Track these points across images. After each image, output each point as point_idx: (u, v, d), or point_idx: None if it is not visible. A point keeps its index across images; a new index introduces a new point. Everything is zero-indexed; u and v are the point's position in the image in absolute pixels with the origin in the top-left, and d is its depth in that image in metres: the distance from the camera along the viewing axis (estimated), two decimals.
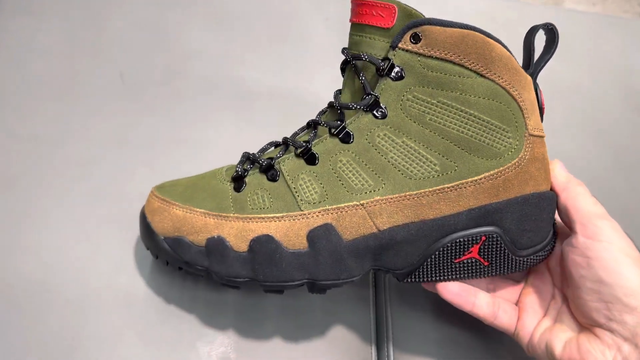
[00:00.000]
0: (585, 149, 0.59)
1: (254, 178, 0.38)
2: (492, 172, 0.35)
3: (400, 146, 0.36)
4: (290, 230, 0.36)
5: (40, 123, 0.51)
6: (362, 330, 0.44)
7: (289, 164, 0.37)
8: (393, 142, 0.36)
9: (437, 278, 0.38)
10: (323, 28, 0.65)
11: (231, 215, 0.37)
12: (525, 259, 0.38)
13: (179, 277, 0.43)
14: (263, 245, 0.36)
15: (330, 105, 0.38)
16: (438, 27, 0.34)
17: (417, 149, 0.36)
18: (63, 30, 0.58)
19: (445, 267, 0.37)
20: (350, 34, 0.37)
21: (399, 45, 0.35)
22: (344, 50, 0.37)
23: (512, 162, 0.36)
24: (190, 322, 0.42)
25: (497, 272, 0.38)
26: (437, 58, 0.34)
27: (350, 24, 0.38)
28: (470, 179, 0.35)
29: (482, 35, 0.34)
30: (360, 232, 0.36)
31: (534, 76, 0.37)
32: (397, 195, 0.36)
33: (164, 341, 0.40)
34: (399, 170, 0.36)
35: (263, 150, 0.40)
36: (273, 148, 0.40)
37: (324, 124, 0.37)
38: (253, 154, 0.39)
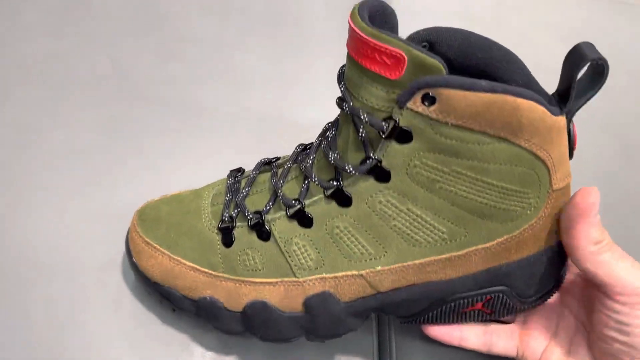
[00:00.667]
0: (595, 142, 0.57)
1: (243, 234, 0.35)
2: (505, 237, 0.32)
3: (405, 213, 0.31)
4: (285, 297, 0.34)
5: (25, 109, 0.49)
6: (364, 349, 0.41)
7: (280, 224, 0.34)
8: (397, 209, 0.31)
9: (438, 322, 0.36)
10: (323, 11, 0.62)
11: (221, 275, 0.35)
12: (529, 305, 0.35)
13: None
14: (258, 311, 0.34)
15: (326, 155, 0.33)
16: (458, 92, 0.27)
17: (423, 217, 0.31)
18: (49, 11, 0.56)
19: (446, 317, 0.35)
20: (348, 66, 0.31)
21: (408, 104, 0.28)
22: (340, 86, 0.31)
23: (530, 223, 0.32)
24: (184, 322, 0.40)
25: (499, 317, 0.36)
26: (453, 125, 0.28)
27: (346, 53, 0.31)
28: (480, 246, 0.32)
29: (512, 97, 0.27)
30: (360, 295, 0.34)
31: (569, 115, 0.30)
32: (399, 264, 0.32)
33: (156, 340, 0.39)
34: (403, 238, 0.32)
35: (250, 181, 0.36)
36: (256, 173, 0.37)
37: (317, 183, 0.33)
38: (240, 202, 0.35)
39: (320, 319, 0.34)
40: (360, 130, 0.30)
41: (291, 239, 0.33)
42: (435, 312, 0.35)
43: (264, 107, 0.53)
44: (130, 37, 0.56)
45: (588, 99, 0.30)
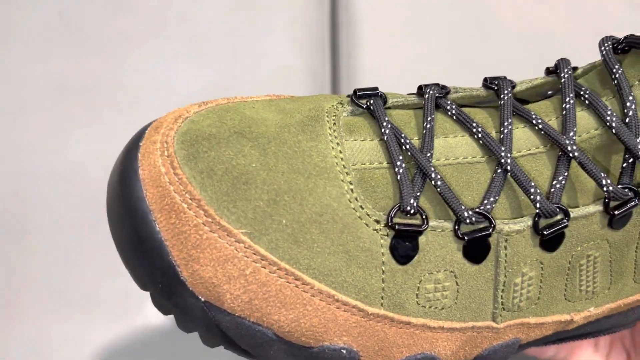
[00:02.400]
0: None
1: (439, 243, 0.19)
2: None
3: None
4: (462, 347, 0.21)
5: None
6: None
7: (517, 244, 0.20)
8: None
9: None
10: None
11: (378, 311, 0.19)
12: None
13: None
14: None
15: (589, 101, 0.20)
16: None
17: None
18: None
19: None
20: None
21: None
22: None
23: None
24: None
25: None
26: None
27: None
28: None
29: None
30: (544, 336, 0.23)
31: None
32: (612, 305, 0.23)
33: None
34: (635, 272, 0.23)
35: (431, 134, 0.20)
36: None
37: (605, 185, 0.20)
38: (429, 164, 0.19)
39: None
40: None
41: (520, 266, 0.20)
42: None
43: (221, 62, 0.51)
44: None
45: None
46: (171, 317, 0.19)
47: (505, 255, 0.20)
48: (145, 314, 0.37)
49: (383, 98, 0.21)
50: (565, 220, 0.20)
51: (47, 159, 0.43)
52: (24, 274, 0.39)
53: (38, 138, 0.44)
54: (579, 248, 0.21)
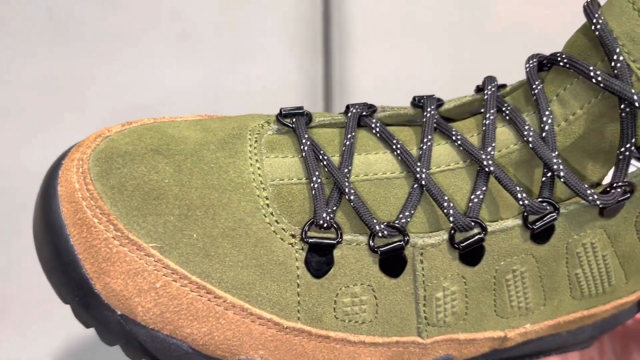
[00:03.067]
0: None
1: (354, 256, 0.19)
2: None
3: (597, 261, 0.22)
4: None
5: None
6: None
7: (433, 258, 0.20)
8: (595, 254, 0.22)
9: None
10: None
11: (294, 325, 0.19)
12: None
13: None
14: None
15: (549, 167, 0.20)
16: None
17: (610, 265, 0.22)
18: None
19: None
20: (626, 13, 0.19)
21: None
22: (607, 44, 0.19)
23: None
24: None
25: None
26: None
27: None
28: (624, 300, 0.24)
29: None
30: (478, 355, 0.23)
31: None
32: (550, 322, 0.23)
33: None
34: (571, 289, 0.22)
35: (349, 153, 0.20)
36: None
37: (521, 199, 0.20)
38: (345, 180, 0.19)
39: None
40: (629, 144, 0.19)
41: (440, 280, 0.20)
42: None
43: (213, 60, 0.51)
44: None
45: None
46: None
47: (422, 268, 0.20)
48: None
49: (308, 117, 0.22)
50: (482, 234, 0.20)
51: (36, 157, 0.43)
52: (17, 274, 0.39)
53: (27, 137, 0.44)
54: (502, 262, 0.21)
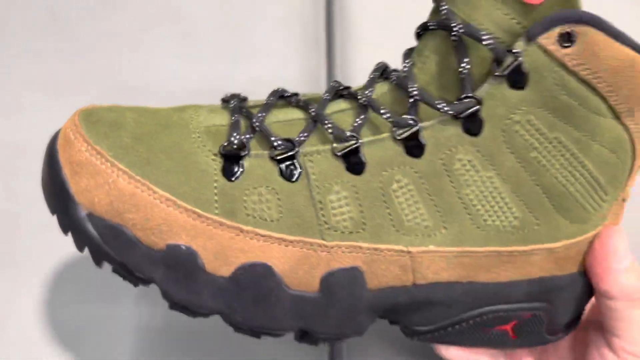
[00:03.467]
0: None
1: (258, 165, 0.25)
2: (571, 240, 0.27)
3: (482, 182, 0.26)
4: (301, 264, 0.25)
5: None
6: None
7: (321, 163, 0.25)
8: (476, 175, 0.25)
9: (455, 342, 0.30)
10: None
11: (213, 216, 0.24)
12: (553, 338, 0.31)
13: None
14: (256, 280, 0.25)
15: (399, 83, 0.26)
16: (606, 37, 0.23)
17: (501, 191, 0.26)
18: None
19: (468, 335, 0.29)
20: None
21: (539, 39, 0.24)
22: (441, 7, 0.25)
23: (593, 232, 0.28)
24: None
25: (519, 346, 0.31)
26: (580, 79, 0.24)
27: None
28: (546, 246, 0.27)
29: None
30: (391, 284, 0.26)
31: None
32: (456, 249, 0.26)
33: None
34: (469, 214, 0.26)
35: (266, 107, 0.26)
36: (292, 108, 0.27)
37: (387, 117, 0.25)
38: (260, 121, 0.26)
39: (337, 305, 0.26)
40: (464, 62, 0.24)
41: (330, 185, 0.25)
42: (458, 330, 0.29)
43: (215, 59, 0.51)
44: None
45: None
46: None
47: (314, 173, 0.25)
48: (139, 311, 0.37)
49: (245, 99, 0.28)
50: (357, 144, 0.25)
51: (39, 157, 0.43)
52: (18, 272, 0.39)
53: (30, 137, 0.44)
54: (384, 173, 0.25)
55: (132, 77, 0.48)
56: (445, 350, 0.31)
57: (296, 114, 0.27)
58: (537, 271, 0.27)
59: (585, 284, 0.29)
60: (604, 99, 0.25)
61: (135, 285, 0.26)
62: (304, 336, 0.27)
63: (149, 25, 0.52)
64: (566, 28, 0.23)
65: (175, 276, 0.24)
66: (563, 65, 0.24)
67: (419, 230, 0.26)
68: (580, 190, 0.26)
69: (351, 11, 0.56)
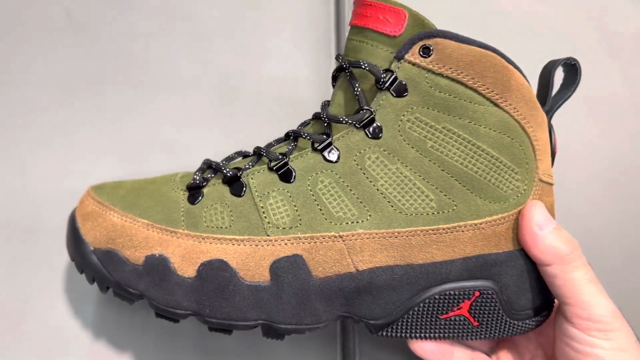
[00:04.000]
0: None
1: (214, 190, 0.32)
2: (494, 217, 0.31)
3: (393, 173, 0.31)
4: (250, 257, 0.30)
5: None
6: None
7: (259, 177, 0.32)
8: (385, 168, 0.31)
9: (417, 334, 0.32)
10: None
11: (180, 230, 0.31)
12: (520, 324, 0.32)
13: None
14: (214, 272, 0.30)
15: (317, 116, 0.33)
16: (453, 42, 0.30)
17: (412, 179, 0.31)
18: None
19: (428, 323, 0.32)
20: (349, 39, 0.33)
21: (406, 56, 0.30)
22: (338, 57, 0.33)
23: (517, 209, 0.31)
24: (142, 354, 0.38)
25: (487, 335, 0.33)
26: (448, 77, 0.30)
27: (349, 27, 0.33)
28: (469, 222, 0.31)
29: (501, 59, 0.30)
30: (335, 270, 0.31)
31: (549, 115, 0.33)
32: (383, 230, 0.30)
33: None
34: (389, 202, 0.31)
35: (229, 159, 0.35)
36: (241, 158, 0.35)
37: (306, 136, 0.32)
38: (216, 162, 0.34)
39: (286, 291, 0.30)
40: (356, 86, 0.32)
41: (268, 192, 0.31)
42: (414, 317, 0.32)
43: (228, 60, 0.51)
44: None
45: (566, 100, 0.33)
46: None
47: (255, 186, 0.32)
48: (147, 311, 0.38)
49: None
50: (286, 160, 0.32)
51: (57, 156, 0.43)
52: (32, 274, 0.40)
53: (46, 136, 0.44)
54: (310, 177, 0.31)
55: (147, 77, 0.48)
56: (418, 346, 0.33)
57: (249, 158, 0.34)
58: (471, 249, 0.31)
59: (528, 261, 0.31)
60: (474, 89, 0.30)
61: (131, 303, 0.32)
62: (269, 330, 0.31)
63: (162, 26, 0.52)
64: (423, 43, 0.30)
65: (153, 280, 0.31)
66: (430, 71, 0.30)
67: (347, 219, 0.31)
68: (485, 169, 0.31)
69: None
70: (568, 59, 0.33)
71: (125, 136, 0.46)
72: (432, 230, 0.31)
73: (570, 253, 0.30)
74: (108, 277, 0.32)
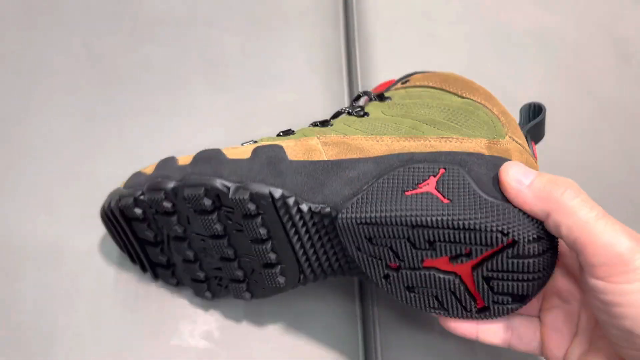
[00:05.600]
0: (570, 102, 0.58)
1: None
2: (481, 138, 0.33)
3: (417, 103, 0.37)
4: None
5: None
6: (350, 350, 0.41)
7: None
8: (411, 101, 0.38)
9: (381, 212, 0.29)
10: None
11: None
12: (494, 199, 0.29)
13: None
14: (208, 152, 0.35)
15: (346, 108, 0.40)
16: (418, 74, 0.41)
17: (431, 105, 0.36)
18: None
19: (392, 199, 0.30)
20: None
21: (392, 89, 0.41)
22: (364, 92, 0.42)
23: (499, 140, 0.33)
24: (172, 303, 0.40)
25: (460, 215, 0.28)
26: (418, 86, 0.39)
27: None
28: (455, 136, 0.33)
29: (464, 77, 0.38)
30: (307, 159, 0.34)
31: (523, 129, 0.37)
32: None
33: (145, 324, 0.39)
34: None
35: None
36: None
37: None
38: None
39: (258, 161, 0.33)
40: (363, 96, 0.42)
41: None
42: (378, 191, 0.30)
43: (242, 85, 0.53)
44: (102, 22, 0.55)
45: (535, 122, 0.37)
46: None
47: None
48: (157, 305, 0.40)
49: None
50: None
51: (81, 186, 0.45)
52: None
53: (69, 163, 0.46)
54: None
55: (164, 105, 0.50)
56: (453, 323, 0.31)
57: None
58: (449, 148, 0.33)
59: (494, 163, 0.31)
60: (442, 89, 0.38)
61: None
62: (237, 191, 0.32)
63: (178, 55, 0.54)
64: (404, 79, 0.41)
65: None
66: (406, 87, 0.40)
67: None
68: (462, 123, 0.34)
69: (369, 36, 0.58)
70: (537, 104, 0.38)
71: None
72: (436, 138, 0.33)
73: (563, 192, 0.26)
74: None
